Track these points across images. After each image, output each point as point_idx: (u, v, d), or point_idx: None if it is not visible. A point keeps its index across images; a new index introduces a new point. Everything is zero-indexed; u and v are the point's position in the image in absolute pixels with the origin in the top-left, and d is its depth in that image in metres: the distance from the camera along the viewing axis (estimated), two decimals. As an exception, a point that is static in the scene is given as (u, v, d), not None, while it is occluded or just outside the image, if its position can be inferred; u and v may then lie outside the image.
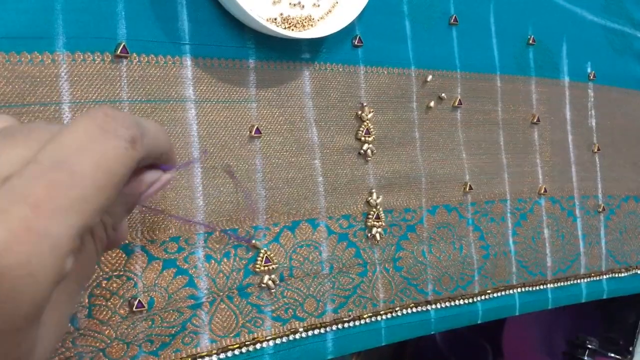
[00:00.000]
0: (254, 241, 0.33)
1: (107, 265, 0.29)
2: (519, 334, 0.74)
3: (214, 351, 0.32)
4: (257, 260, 0.33)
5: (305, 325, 0.35)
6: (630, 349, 0.64)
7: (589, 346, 0.66)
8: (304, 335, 0.35)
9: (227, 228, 0.33)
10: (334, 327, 0.36)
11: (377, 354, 0.70)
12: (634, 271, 0.54)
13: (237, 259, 0.33)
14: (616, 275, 0.52)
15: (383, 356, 0.73)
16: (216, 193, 0.32)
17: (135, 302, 0.29)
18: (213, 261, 0.32)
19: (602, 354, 0.66)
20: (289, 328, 0.35)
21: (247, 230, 0.33)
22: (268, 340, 0.34)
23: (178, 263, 0.31)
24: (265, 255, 0.34)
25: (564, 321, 0.71)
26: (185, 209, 0.31)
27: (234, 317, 0.33)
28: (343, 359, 0.62)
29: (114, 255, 0.29)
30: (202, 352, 0.32)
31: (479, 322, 0.43)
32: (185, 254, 0.31)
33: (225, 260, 0.33)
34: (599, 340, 0.66)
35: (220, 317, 0.32)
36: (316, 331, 0.35)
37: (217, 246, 0.32)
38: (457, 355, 0.75)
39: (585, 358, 0.66)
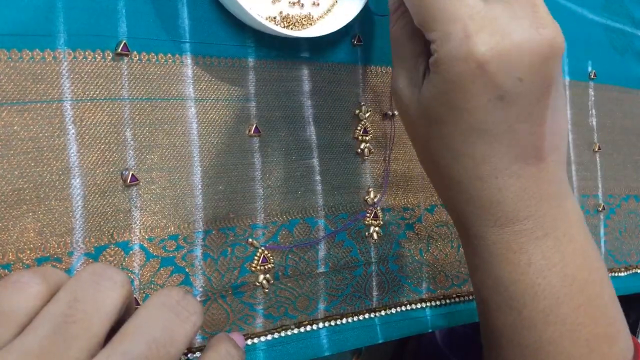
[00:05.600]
0: (250, 240, 0.34)
1: (105, 263, 0.29)
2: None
3: (204, 346, 0.32)
4: (254, 259, 0.34)
5: (296, 322, 0.35)
6: (631, 348, 0.64)
7: (589, 346, 0.65)
8: (295, 331, 0.35)
9: (225, 226, 0.33)
10: (327, 324, 0.36)
11: (377, 353, 0.70)
12: (633, 270, 0.54)
13: (235, 257, 0.33)
14: (615, 274, 0.52)
15: (383, 356, 0.73)
16: (215, 191, 0.33)
17: None
18: (210, 259, 0.32)
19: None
20: (280, 325, 0.35)
21: (245, 229, 0.34)
22: (259, 336, 0.34)
23: (176, 261, 0.31)
24: (263, 254, 0.34)
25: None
26: (184, 207, 0.32)
27: (225, 314, 0.33)
28: (343, 359, 0.63)
29: (112, 253, 0.29)
30: (192, 347, 0.32)
31: (477, 320, 0.43)
32: (183, 252, 0.31)
33: (223, 258, 0.33)
34: (600, 340, 0.66)
35: (212, 314, 0.33)
36: (308, 327, 0.36)
37: (215, 244, 0.33)
38: (457, 354, 0.75)
39: (586, 358, 0.65)
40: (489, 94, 0.25)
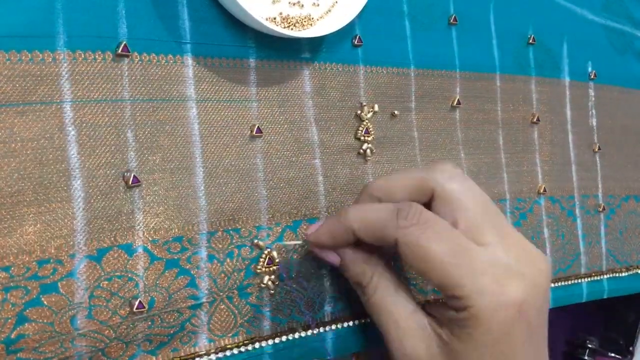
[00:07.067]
0: (256, 241, 0.33)
1: (108, 266, 0.29)
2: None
3: (212, 350, 0.32)
4: (259, 260, 0.33)
5: (303, 324, 0.35)
6: (631, 348, 0.64)
7: (589, 346, 0.65)
8: (302, 334, 0.35)
9: (230, 228, 0.33)
10: (333, 327, 0.36)
11: (377, 353, 0.70)
12: (634, 271, 0.54)
13: (240, 259, 0.33)
14: (617, 274, 0.52)
15: (383, 356, 0.73)
16: (218, 192, 0.32)
17: (136, 303, 0.29)
18: (216, 261, 0.32)
19: (602, 354, 0.66)
20: (287, 328, 0.35)
21: (249, 230, 0.33)
22: (267, 340, 0.34)
23: (181, 263, 0.31)
24: (268, 255, 0.34)
25: (564, 321, 0.70)
26: (187, 209, 0.31)
27: (232, 317, 0.33)
28: (343, 359, 0.62)
29: (115, 255, 0.29)
30: (201, 352, 0.32)
31: None
32: (188, 254, 0.31)
33: (228, 260, 0.32)
34: (599, 340, 0.66)
35: (219, 317, 0.32)
36: (315, 330, 0.35)
37: (221, 246, 0.32)
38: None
39: (586, 358, 0.65)
40: (525, 334, 0.27)
